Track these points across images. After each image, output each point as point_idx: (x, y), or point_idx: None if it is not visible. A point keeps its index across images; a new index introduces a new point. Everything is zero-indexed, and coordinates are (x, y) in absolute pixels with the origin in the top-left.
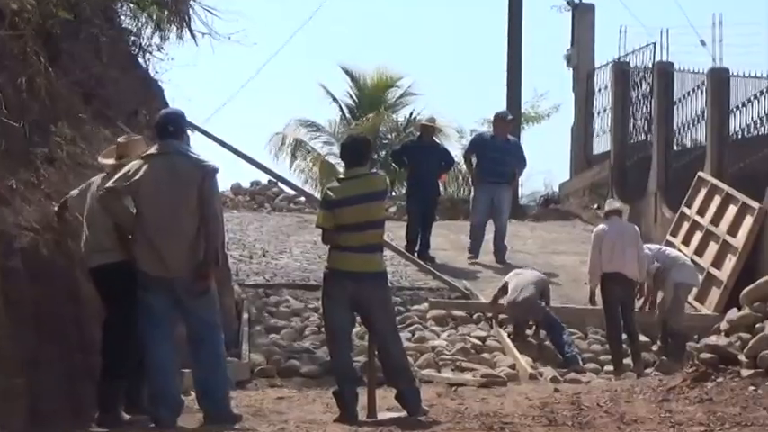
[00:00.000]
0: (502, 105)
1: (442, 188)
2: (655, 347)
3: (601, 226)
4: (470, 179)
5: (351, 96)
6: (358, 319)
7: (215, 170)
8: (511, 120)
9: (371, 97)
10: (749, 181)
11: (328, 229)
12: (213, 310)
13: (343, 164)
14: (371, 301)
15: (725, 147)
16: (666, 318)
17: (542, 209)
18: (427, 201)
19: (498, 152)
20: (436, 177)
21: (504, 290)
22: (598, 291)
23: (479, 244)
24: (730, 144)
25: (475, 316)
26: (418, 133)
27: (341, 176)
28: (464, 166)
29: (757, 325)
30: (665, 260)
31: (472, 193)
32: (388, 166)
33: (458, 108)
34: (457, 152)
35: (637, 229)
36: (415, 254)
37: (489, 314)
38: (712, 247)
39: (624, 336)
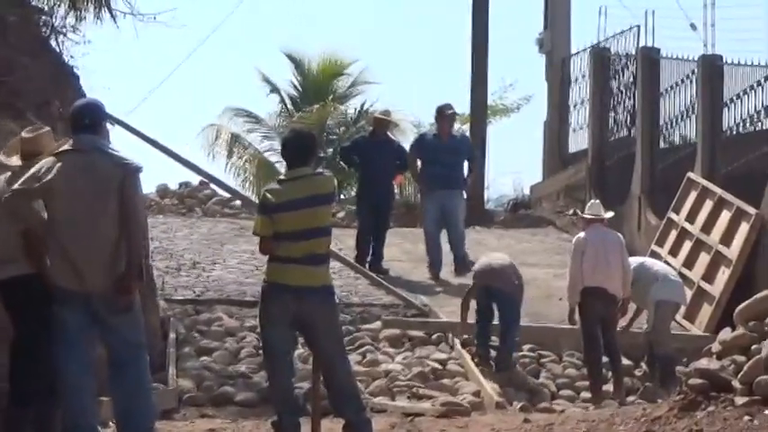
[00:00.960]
0: (465, 95)
1: (397, 191)
2: (638, 372)
3: (581, 234)
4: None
5: (293, 84)
6: (301, 339)
7: (138, 169)
8: (453, 112)
9: (317, 86)
10: (745, 183)
11: (267, 238)
12: (137, 329)
13: (284, 162)
14: (316, 320)
15: (718, 144)
16: (650, 340)
17: (511, 214)
18: (380, 205)
19: (448, 153)
20: (391, 178)
21: (473, 291)
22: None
23: (439, 257)
24: (724, 141)
25: (434, 336)
26: (371, 128)
27: (282, 177)
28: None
29: (753, 347)
30: (646, 275)
31: (420, 201)
32: (335, 166)
33: (416, 99)
34: None
35: (621, 237)
36: (367, 265)
37: (450, 334)
38: (703, 259)
39: (605, 359)
